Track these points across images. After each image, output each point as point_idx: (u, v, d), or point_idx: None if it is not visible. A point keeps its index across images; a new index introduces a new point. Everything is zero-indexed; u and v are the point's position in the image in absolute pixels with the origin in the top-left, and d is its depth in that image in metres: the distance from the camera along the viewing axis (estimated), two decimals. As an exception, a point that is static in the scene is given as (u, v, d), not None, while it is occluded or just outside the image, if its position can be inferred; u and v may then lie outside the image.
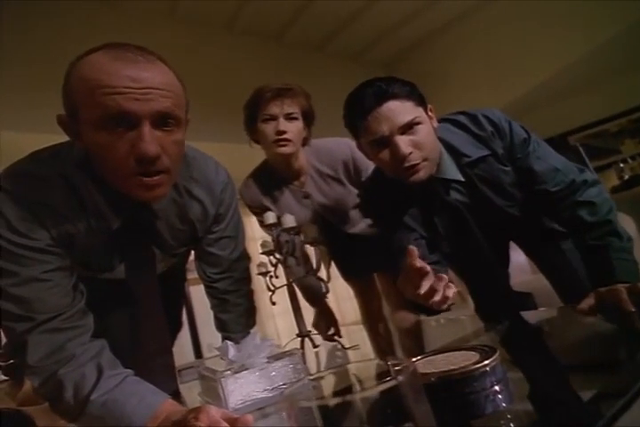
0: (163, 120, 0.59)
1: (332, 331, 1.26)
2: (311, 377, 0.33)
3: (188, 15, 2.56)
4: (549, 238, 1.00)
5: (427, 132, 0.83)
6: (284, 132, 1.10)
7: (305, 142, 1.19)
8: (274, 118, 1.11)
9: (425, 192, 0.92)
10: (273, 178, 1.22)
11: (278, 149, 1.11)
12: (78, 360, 0.59)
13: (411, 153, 0.81)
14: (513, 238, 1.09)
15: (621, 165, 2.93)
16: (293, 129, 1.11)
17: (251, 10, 2.63)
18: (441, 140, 0.89)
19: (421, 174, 0.84)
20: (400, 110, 0.80)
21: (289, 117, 1.11)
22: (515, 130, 0.88)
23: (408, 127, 0.81)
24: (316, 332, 1.19)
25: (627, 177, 2.79)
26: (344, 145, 1.20)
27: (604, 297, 0.68)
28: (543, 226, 1.00)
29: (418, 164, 0.82)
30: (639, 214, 2.15)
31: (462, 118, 0.91)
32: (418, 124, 0.81)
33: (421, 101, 0.85)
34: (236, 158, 1.37)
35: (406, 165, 0.82)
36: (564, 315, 0.88)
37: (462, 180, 0.89)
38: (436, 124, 0.88)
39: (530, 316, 0.92)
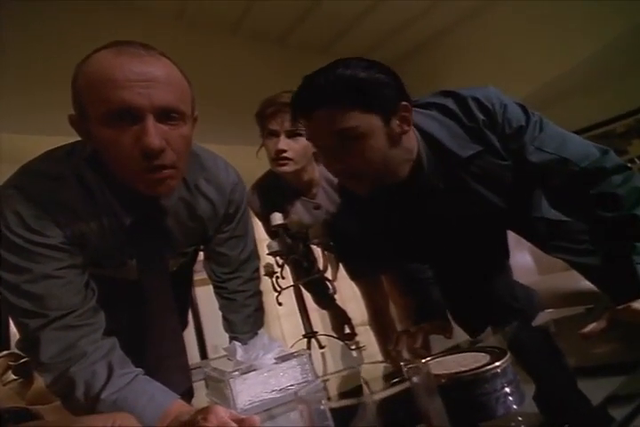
0: (167, 114, 0.59)
1: (347, 330, 1.25)
2: (322, 378, 0.33)
3: (195, 18, 2.58)
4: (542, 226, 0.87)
5: (370, 146, 0.67)
6: (284, 151, 1.06)
7: (317, 157, 1.14)
8: (276, 135, 1.07)
9: (402, 195, 0.80)
10: (281, 188, 1.20)
11: (277, 168, 1.09)
12: (89, 358, 0.60)
13: (343, 169, 0.70)
14: (507, 229, 0.97)
15: (629, 165, 2.91)
16: (295, 147, 1.07)
17: (256, 13, 2.64)
18: (425, 133, 0.75)
19: (366, 189, 0.73)
20: (331, 120, 0.65)
21: (292, 134, 1.06)
22: (509, 116, 0.73)
23: (341, 140, 0.67)
24: (324, 333, 1.18)
25: (635, 178, 2.76)
26: None
27: (620, 317, 0.57)
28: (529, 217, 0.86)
29: (358, 178, 0.71)
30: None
31: (451, 103, 0.76)
32: (358, 137, 0.66)
33: (378, 104, 0.67)
34: (243, 160, 1.36)
35: (344, 178, 0.73)
36: (573, 317, 0.87)
37: (442, 187, 0.77)
38: (409, 127, 0.71)
39: (537, 318, 0.91)
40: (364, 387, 0.36)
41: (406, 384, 0.26)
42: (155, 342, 0.70)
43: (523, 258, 2.11)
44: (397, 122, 0.70)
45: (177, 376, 0.70)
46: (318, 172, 1.18)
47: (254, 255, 0.94)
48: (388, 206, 0.85)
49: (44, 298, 0.60)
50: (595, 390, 0.45)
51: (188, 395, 0.71)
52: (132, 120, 0.57)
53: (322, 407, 0.28)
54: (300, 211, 1.20)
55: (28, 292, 0.60)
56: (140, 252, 0.71)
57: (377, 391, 0.26)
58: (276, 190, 1.19)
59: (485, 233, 0.90)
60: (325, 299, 1.28)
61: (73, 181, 0.64)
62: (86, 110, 0.59)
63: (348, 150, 0.68)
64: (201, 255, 0.97)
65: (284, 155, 1.06)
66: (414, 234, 0.88)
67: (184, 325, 1.11)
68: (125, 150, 0.58)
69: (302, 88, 0.70)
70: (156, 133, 0.57)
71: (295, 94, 0.71)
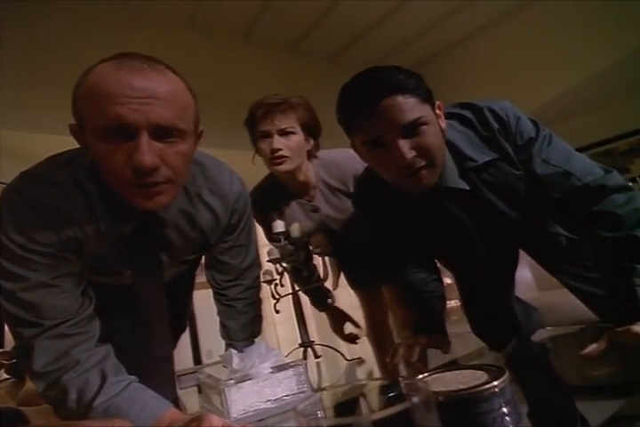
0: (164, 131, 0.58)
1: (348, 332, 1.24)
2: (320, 391, 0.32)
3: (207, 23, 2.61)
4: (555, 245, 0.89)
5: (433, 134, 0.71)
6: (279, 150, 1.07)
7: (310, 155, 1.15)
8: (268, 135, 1.08)
9: (423, 200, 0.81)
10: (280, 191, 1.20)
11: (275, 168, 1.09)
12: (82, 366, 0.59)
13: (413, 157, 0.69)
14: (519, 244, 0.97)
15: (630, 184, 2.91)
16: (290, 144, 1.08)
17: (267, 20, 2.68)
18: (446, 140, 0.78)
19: (425, 182, 0.73)
20: (403, 107, 0.68)
21: (284, 133, 1.07)
22: (521, 128, 0.77)
23: (411, 128, 0.69)
24: (320, 343, 1.17)
25: (636, 197, 2.77)
26: (356, 159, 1.17)
27: (620, 339, 0.57)
28: (547, 231, 0.89)
29: (421, 171, 0.71)
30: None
31: (468, 113, 0.80)
32: (423, 124, 0.70)
33: (428, 97, 0.73)
34: (249, 165, 1.36)
35: (408, 172, 0.71)
36: (571, 335, 0.86)
37: (467, 188, 0.78)
38: (444, 123, 0.76)
39: (535, 335, 0.90)
40: (361, 400, 0.36)
41: (406, 403, 0.26)
42: (143, 348, 0.69)
43: (522, 273, 2.10)
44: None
45: (163, 383, 0.69)
46: (314, 173, 1.17)
47: (256, 264, 0.94)
48: (411, 212, 0.86)
49: (38, 307, 0.60)
50: (595, 410, 0.44)
51: (174, 402, 0.70)
52: (127, 136, 0.56)
53: (320, 423, 0.28)
54: (297, 214, 1.19)
55: (23, 300, 0.60)
56: (135, 262, 0.70)
57: (375, 410, 0.26)
58: (273, 194, 1.19)
59: (502, 248, 0.90)
60: (323, 303, 1.27)
61: (71, 188, 0.64)
62: (84, 122, 0.58)
63: (419, 137, 0.70)
64: (202, 259, 0.96)
65: (280, 153, 1.07)
66: (432, 240, 0.88)
67: (183, 328, 1.11)
68: (118, 166, 0.57)
69: (362, 81, 0.72)
70: (148, 151, 0.56)
71: (354, 87, 0.72)
